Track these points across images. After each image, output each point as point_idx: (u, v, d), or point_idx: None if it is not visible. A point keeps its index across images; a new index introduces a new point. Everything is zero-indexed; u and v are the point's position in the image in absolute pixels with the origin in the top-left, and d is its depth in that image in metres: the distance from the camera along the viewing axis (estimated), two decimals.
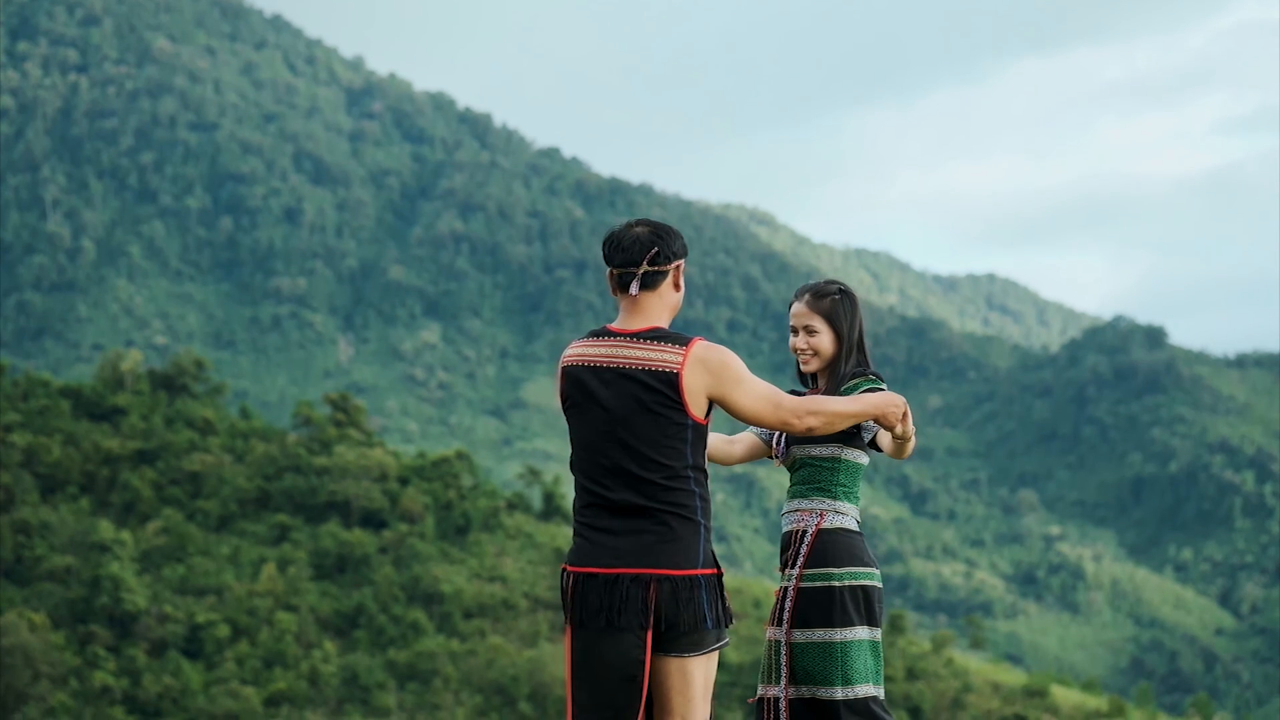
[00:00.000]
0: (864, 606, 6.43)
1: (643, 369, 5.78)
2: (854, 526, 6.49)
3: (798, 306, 6.61)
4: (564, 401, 5.89)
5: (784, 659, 6.39)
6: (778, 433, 6.54)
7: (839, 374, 6.56)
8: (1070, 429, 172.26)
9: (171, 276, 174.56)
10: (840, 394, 6.45)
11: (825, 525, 6.44)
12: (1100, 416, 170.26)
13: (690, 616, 5.73)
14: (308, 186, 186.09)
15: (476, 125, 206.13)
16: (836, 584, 6.42)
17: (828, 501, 6.47)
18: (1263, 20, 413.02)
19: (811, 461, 6.48)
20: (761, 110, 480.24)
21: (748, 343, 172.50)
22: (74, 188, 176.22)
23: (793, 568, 6.45)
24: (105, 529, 65.51)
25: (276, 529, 70.61)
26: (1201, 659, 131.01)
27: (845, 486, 6.49)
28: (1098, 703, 72.50)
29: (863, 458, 6.53)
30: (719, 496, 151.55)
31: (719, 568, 5.84)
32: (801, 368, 6.63)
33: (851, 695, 6.34)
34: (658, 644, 5.75)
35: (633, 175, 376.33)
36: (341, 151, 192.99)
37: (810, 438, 6.40)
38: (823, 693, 6.37)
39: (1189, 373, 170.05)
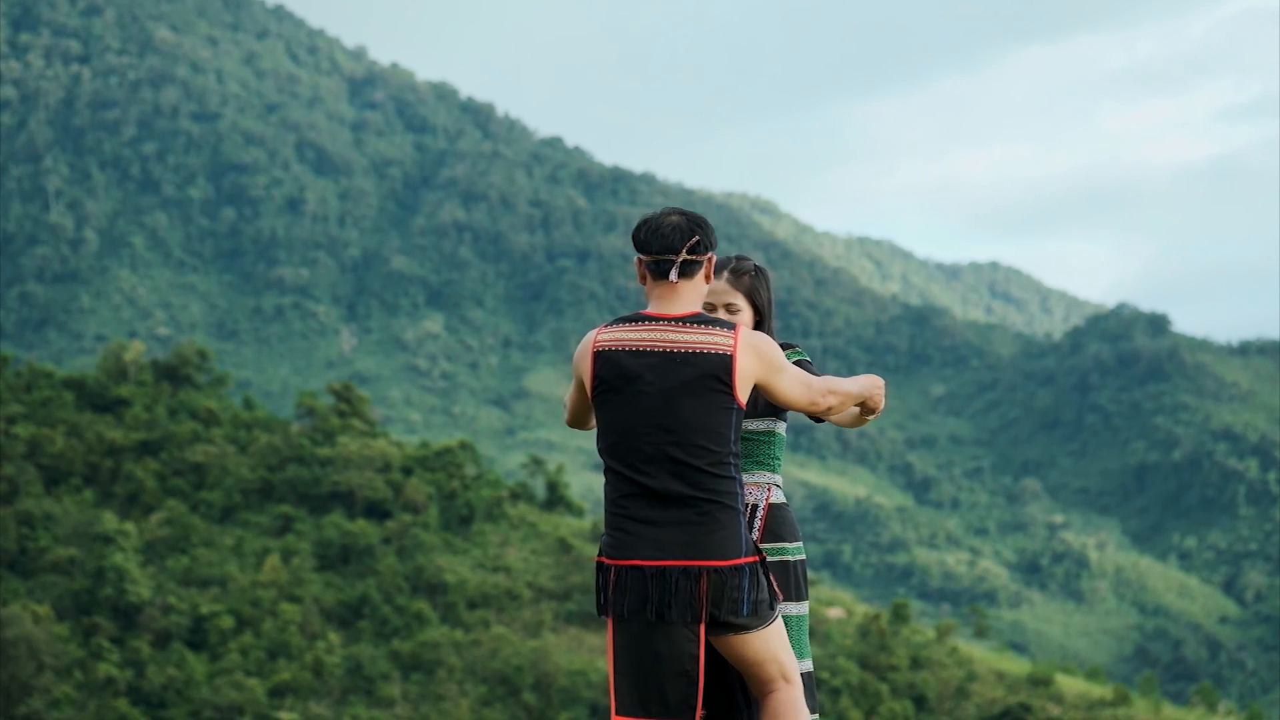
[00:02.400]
0: (805, 580, 6.44)
1: (693, 352, 5.71)
2: (786, 500, 6.51)
3: (718, 284, 6.47)
4: (596, 386, 5.77)
5: None
6: None
7: None
8: (1073, 417, 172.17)
9: (174, 267, 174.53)
10: None
11: (774, 499, 6.40)
12: (1103, 404, 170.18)
13: (738, 605, 5.67)
14: (310, 176, 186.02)
15: (479, 115, 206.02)
16: (790, 558, 6.40)
17: (769, 475, 6.42)
18: (1265, 7, 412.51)
19: (749, 436, 6.40)
20: (764, 99, 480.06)
21: None
22: (76, 178, 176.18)
23: None
24: (109, 520, 65.50)
25: (280, 520, 70.61)
26: (1206, 647, 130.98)
27: (779, 459, 6.46)
28: (1102, 691, 72.47)
29: (785, 430, 6.52)
30: None
31: (761, 552, 5.81)
32: None
33: (805, 669, 6.31)
34: (713, 629, 5.69)
35: (635, 164, 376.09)
36: (344, 141, 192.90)
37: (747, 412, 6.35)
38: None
39: (1192, 360, 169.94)
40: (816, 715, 6.30)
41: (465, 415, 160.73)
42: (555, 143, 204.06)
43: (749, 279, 6.48)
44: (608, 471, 5.79)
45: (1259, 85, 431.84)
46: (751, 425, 6.39)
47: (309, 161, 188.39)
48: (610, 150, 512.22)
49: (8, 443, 67.93)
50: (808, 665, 6.37)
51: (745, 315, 6.46)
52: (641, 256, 5.87)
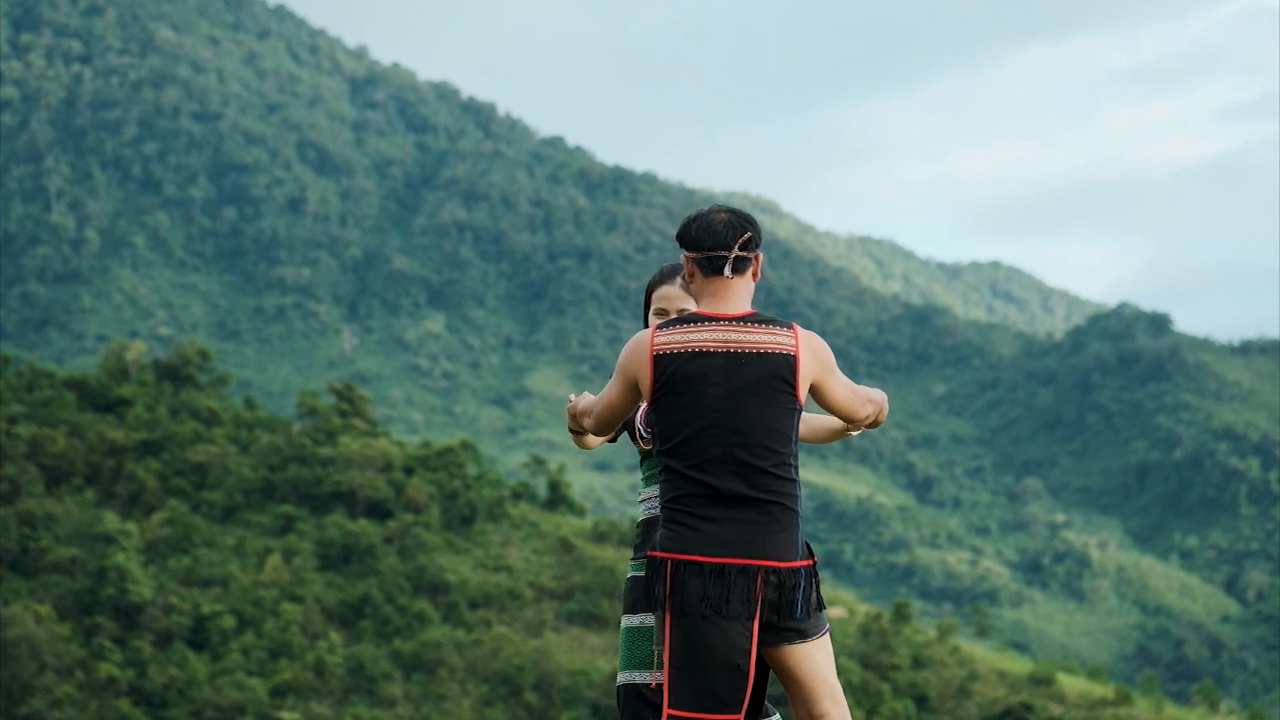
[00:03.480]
0: None
1: (757, 352, 5.69)
2: None
3: (669, 289, 6.50)
4: (657, 390, 5.74)
5: None
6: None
7: None
8: (1075, 416, 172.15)
9: (175, 267, 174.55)
10: None
11: None
12: (1105, 404, 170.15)
13: (790, 608, 5.68)
14: (311, 176, 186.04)
15: (480, 114, 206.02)
16: None
17: None
18: (1265, 7, 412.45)
19: None
20: (765, 98, 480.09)
21: None
22: (78, 178, 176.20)
23: None
24: (110, 520, 65.51)
25: (281, 519, 70.61)
26: (1207, 646, 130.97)
27: None
28: (1103, 690, 72.47)
29: None
30: None
31: (814, 557, 5.82)
32: None
33: None
34: (768, 635, 5.70)
35: (636, 164, 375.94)
36: (345, 141, 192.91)
37: None
38: None
39: (1193, 359, 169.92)
40: (776, 715, 6.36)
41: (466, 415, 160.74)
42: (556, 142, 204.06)
43: None
44: (666, 471, 5.76)
45: (1260, 85, 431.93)
46: None
47: (310, 161, 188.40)
48: (611, 150, 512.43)
49: (9, 443, 67.94)
50: None
51: None
52: (691, 255, 5.84)
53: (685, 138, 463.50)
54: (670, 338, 5.74)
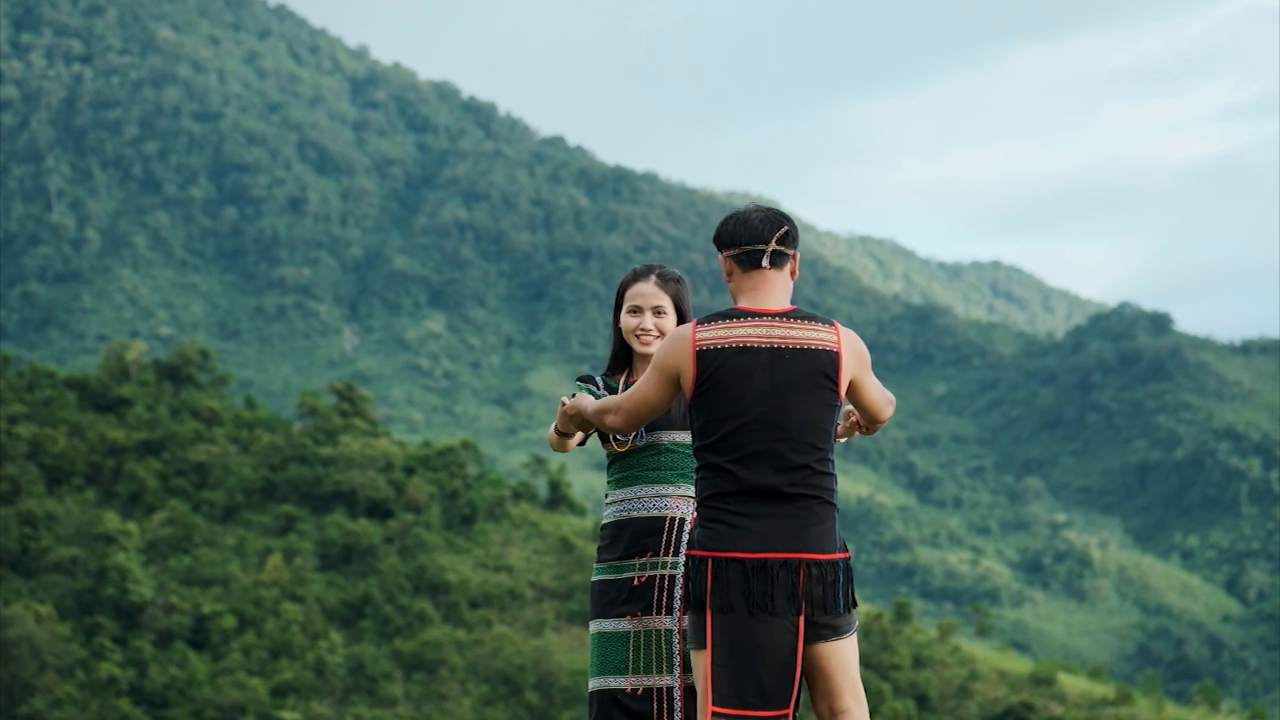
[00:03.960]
0: None
1: (801, 348, 5.72)
2: None
3: (645, 286, 6.58)
4: (699, 386, 5.74)
5: (677, 647, 6.35)
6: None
7: None
8: (1075, 416, 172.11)
9: (176, 267, 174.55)
10: None
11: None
12: (1105, 403, 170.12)
13: (833, 602, 5.70)
14: (312, 176, 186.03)
15: (480, 114, 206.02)
16: None
17: (693, 489, 6.43)
18: (1266, 6, 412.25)
19: (675, 448, 6.50)
20: (765, 98, 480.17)
21: None
22: (78, 178, 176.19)
23: (675, 554, 6.42)
24: (111, 520, 65.49)
25: (282, 519, 70.60)
26: (1208, 646, 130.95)
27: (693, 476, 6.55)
28: (1104, 690, 72.45)
29: None
30: None
31: (849, 551, 5.83)
32: (642, 349, 6.59)
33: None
34: (806, 630, 5.72)
35: (637, 163, 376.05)
36: (346, 141, 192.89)
37: (671, 424, 6.44)
38: (688, 679, 6.42)
39: (1194, 359, 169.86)
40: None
41: (467, 415, 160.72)
42: (557, 142, 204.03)
43: (675, 284, 6.59)
44: (705, 468, 5.77)
45: (1260, 84, 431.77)
46: (678, 437, 6.47)
47: (311, 161, 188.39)
48: (612, 149, 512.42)
49: (10, 442, 67.93)
50: None
51: (670, 320, 6.56)
52: (728, 252, 5.87)
53: (686, 137, 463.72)
54: (713, 333, 5.75)
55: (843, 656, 5.80)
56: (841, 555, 5.75)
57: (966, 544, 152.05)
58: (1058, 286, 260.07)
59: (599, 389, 6.68)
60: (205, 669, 60.60)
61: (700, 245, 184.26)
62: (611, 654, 6.50)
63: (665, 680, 6.42)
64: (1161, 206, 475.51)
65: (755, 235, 5.83)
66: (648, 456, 6.52)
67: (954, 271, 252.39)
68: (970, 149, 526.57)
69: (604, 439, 6.53)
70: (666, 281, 6.60)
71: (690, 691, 6.37)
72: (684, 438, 6.44)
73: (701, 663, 5.76)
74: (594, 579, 6.63)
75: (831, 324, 5.77)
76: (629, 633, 6.47)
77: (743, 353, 5.70)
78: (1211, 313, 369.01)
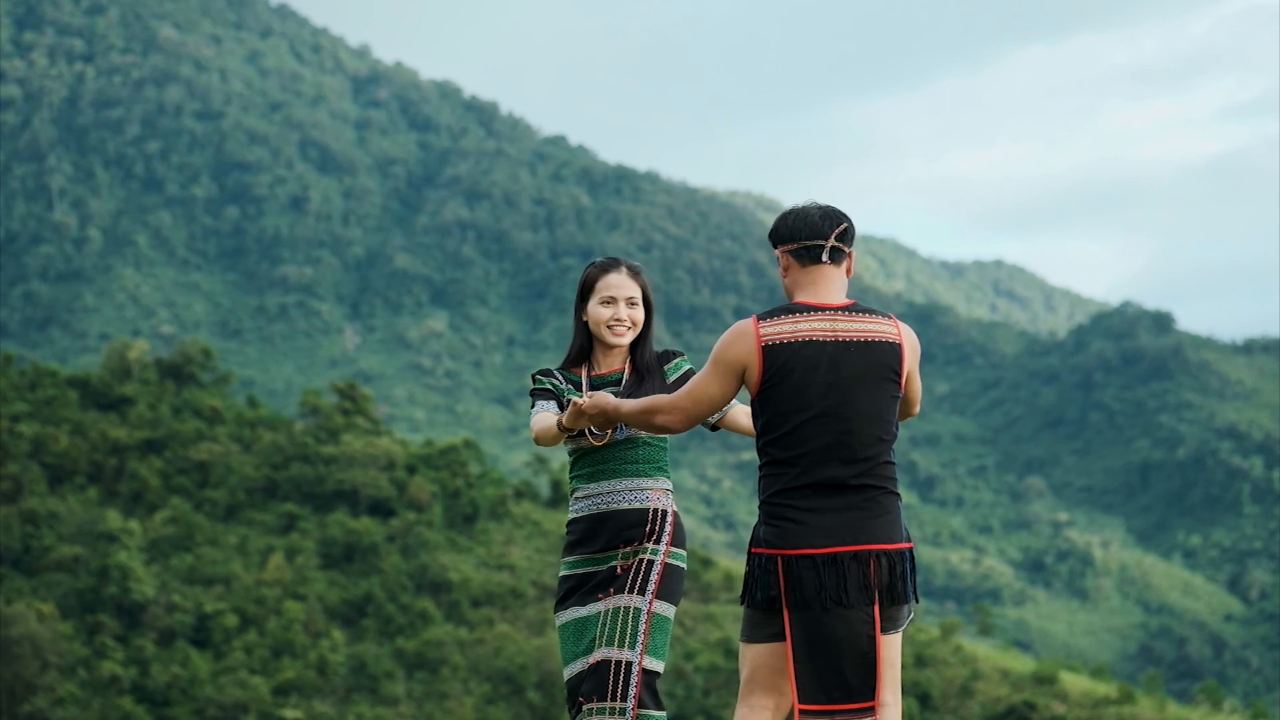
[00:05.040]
0: None
1: (865, 341, 5.74)
2: None
3: (618, 278, 6.61)
4: (765, 381, 5.74)
5: (643, 626, 6.39)
6: None
7: (644, 351, 6.65)
8: (1077, 415, 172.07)
9: (178, 265, 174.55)
10: (666, 372, 6.62)
11: (675, 508, 6.58)
12: (1107, 402, 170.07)
13: (901, 591, 5.72)
14: (314, 175, 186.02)
15: (482, 113, 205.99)
16: (682, 565, 6.58)
17: (668, 482, 6.59)
18: (1267, 5, 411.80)
19: (652, 442, 6.56)
20: (767, 97, 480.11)
21: None
22: (80, 177, 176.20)
23: (658, 543, 6.47)
24: (113, 519, 65.49)
25: (284, 518, 70.60)
26: (1210, 645, 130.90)
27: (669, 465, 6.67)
28: (1106, 689, 72.38)
29: None
30: (725, 483, 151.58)
31: (912, 541, 5.85)
32: (614, 340, 6.60)
33: (661, 669, 6.48)
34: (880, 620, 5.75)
35: (639, 162, 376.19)
36: (347, 140, 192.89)
37: None
38: (651, 663, 6.46)
39: (1196, 358, 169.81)
40: (663, 711, 6.45)
41: (469, 413, 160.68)
42: (559, 141, 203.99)
43: (643, 276, 6.67)
44: (770, 464, 5.77)
45: (1262, 83, 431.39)
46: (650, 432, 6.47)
47: (312, 160, 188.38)
48: (614, 148, 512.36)
49: (12, 441, 67.94)
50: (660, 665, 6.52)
51: (640, 311, 6.63)
52: (786, 247, 5.87)
53: (688, 136, 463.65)
54: (777, 328, 5.75)
55: (894, 650, 5.80)
56: (907, 545, 5.78)
57: (968, 543, 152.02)
58: (1060, 285, 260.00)
59: (562, 383, 6.68)
60: (207, 668, 60.59)
61: (701, 244, 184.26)
62: (580, 637, 6.53)
63: (626, 654, 6.42)
64: (1163, 206, 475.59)
65: (815, 231, 5.82)
66: (624, 450, 6.55)
67: (956, 270, 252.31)
68: (971, 148, 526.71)
69: (577, 434, 6.53)
70: (636, 273, 6.65)
71: (647, 674, 6.41)
72: None
73: (750, 655, 5.80)
74: (568, 573, 6.62)
75: (890, 317, 5.81)
76: (600, 611, 6.50)
77: (808, 346, 5.71)
78: (1213, 312, 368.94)
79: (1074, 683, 72.97)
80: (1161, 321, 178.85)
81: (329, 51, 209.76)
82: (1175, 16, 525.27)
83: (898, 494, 5.78)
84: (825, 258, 5.80)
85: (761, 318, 5.78)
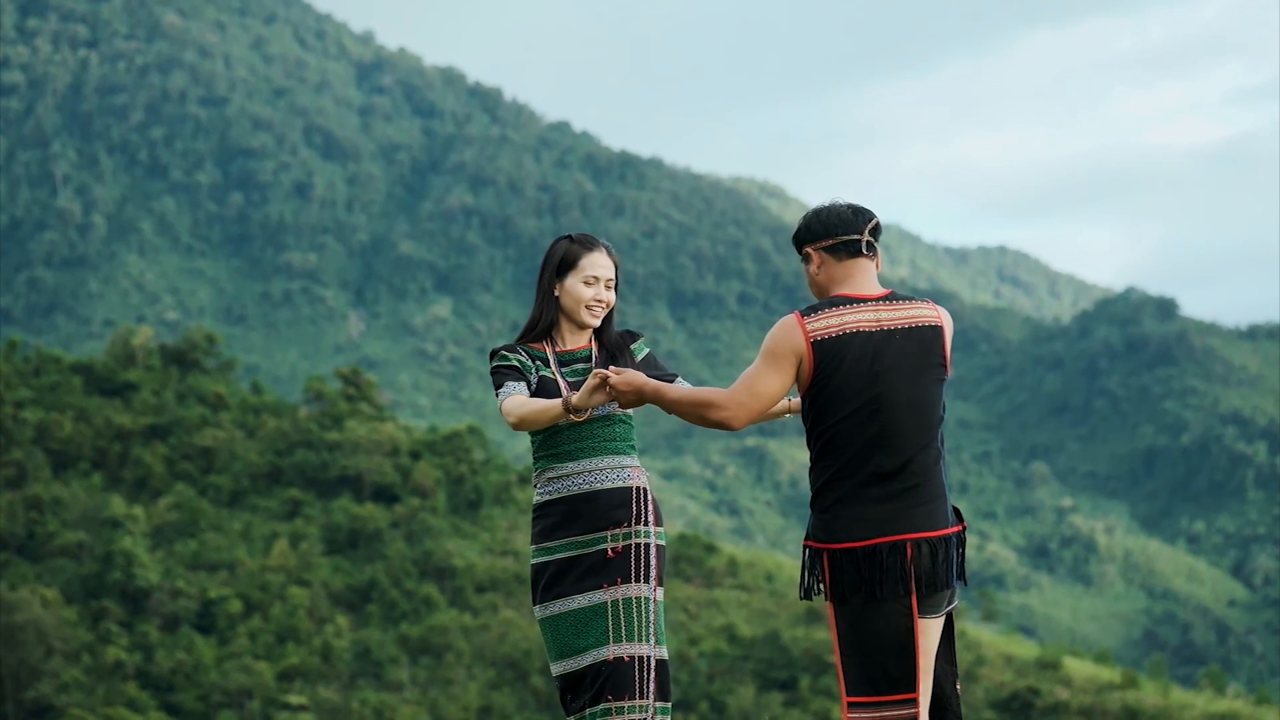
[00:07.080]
0: None
1: (910, 327, 5.76)
2: None
3: (602, 258, 6.45)
4: (817, 374, 5.73)
5: (651, 617, 6.30)
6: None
7: (609, 329, 6.49)
8: (1082, 401, 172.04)
9: (182, 252, 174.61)
10: (632, 352, 6.45)
11: (647, 485, 6.44)
12: (1112, 388, 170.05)
13: (944, 576, 5.71)
14: (318, 161, 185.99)
15: (486, 99, 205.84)
16: (665, 544, 6.43)
17: (636, 459, 6.45)
18: None
19: (627, 419, 6.41)
20: (772, 83, 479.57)
21: (759, 315, 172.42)
22: (84, 163, 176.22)
23: (646, 524, 6.34)
24: (117, 505, 65.57)
25: (288, 504, 70.65)
26: (1214, 631, 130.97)
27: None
28: (1110, 675, 72.44)
29: None
30: (729, 469, 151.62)
31: (964, 522, 5.85)
32: (590, 321, 6.42)
33: (664, 655, 6.36)
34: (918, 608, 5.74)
35: (643, 149, 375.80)
36: (351, 126, 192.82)
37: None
38: (661, 653, 6.36)
39: (1201, 344, 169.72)
40: (669, 703, 6.34)
41: (473, 400, 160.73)
42: (563, 127, 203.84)
43: (618, 258, 6.51)
44: (820, 456, 5.76)
45: (1268, 68, 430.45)
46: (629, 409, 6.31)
47: (317, 146, 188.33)
48: (618, 135, 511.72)
49: (16, 427, 68.01)
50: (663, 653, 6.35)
51: (612, 293, 6.46)
52: (820, 244, 5.88)
53: (692, 122, 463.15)
54: (824, 322, 5.74)
55: (933, 638, 5.80)
56: (953, 530, 5.76)
57: (973, 529, 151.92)
58: (1064, 271, 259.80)
59: (528, 360, 6.47)
60: (212, 653, 60.67)
61: (705, 231, 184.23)
62: (584, 630, 6.37)
63: (643, 649, 6.30)
64: (1169, 191, 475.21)
65: (850, 226, 5.85)
66: (602, 427, 6.37)
67: (960, 256, 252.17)
68: (978, 134, 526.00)
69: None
70: (613, 254, 6.50)
71: (661, 664, 6.30)
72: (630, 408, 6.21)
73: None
74: (548, 559, 6.39)
75: (928, 301, 5.83)
76: (606, 603, 6.32)
77: (856, 338, 5.71)
78: (1218, 297, 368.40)
79: (1078, 668, 73.02)
80: (1166, 307, 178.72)
81: (333, 38, 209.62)
82: (1182, 1, 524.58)
83: (944, 480, 5.76)
84: (864, 249, 5.84)
85: (804, 313, 5.77)
